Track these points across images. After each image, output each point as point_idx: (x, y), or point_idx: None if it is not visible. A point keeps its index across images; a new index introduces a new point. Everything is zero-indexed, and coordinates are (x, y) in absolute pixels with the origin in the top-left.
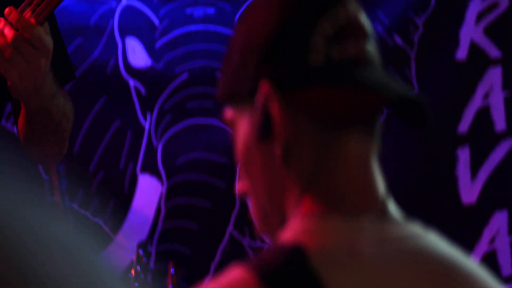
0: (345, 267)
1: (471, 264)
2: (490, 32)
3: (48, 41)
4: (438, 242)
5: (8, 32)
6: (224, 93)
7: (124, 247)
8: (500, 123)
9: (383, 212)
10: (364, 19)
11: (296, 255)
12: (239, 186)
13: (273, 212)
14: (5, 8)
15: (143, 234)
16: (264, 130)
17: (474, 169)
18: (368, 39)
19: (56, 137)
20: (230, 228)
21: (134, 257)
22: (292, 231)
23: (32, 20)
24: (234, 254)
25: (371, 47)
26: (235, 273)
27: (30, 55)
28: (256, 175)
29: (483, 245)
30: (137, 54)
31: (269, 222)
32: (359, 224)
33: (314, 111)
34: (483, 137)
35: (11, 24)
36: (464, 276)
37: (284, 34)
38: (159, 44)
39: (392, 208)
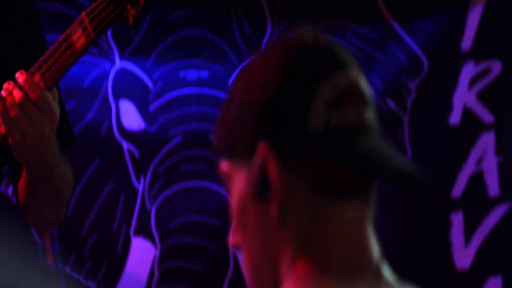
0: None
1: None
2: (483, 97)
3: (55, 107)
4: None
5: (16, 94)
6: (220, 145)
7: None
8: (493, 188)
9: (378, 275)
10: (365, 85)
11: None
12: (233, 238)
13: (266, 270)
14: (17, 69)
15: None
16: (261, 189)
17: (468, 234)
18: (368, 106)
19: (56, 204)
20: None
21: None
22: None
23: (41, 84)
24: None
25: (371, 115)
26: None
27: (35, 118)
28: (250, 232)
29: None
30: (131, 117)
31: (262, 279)
32: (353, 287)
33: (311, 178)
34: (476, 202)
35: (19, 86)
36: None
37: (284, 96)
38: (152, 107)
39: (387, 271)
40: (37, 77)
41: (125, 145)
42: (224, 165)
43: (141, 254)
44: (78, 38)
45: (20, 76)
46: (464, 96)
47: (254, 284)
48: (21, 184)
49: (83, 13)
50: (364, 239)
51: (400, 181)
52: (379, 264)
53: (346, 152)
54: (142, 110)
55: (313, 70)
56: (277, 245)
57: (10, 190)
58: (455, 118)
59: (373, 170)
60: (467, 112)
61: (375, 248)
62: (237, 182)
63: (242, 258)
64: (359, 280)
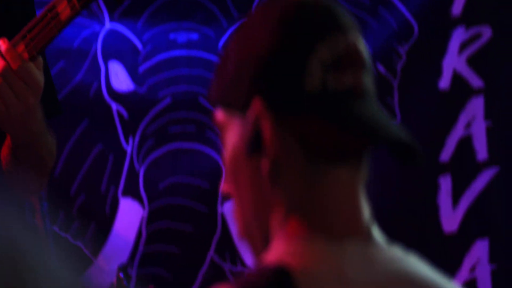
0: None
1: (452, 286)
2: (473, 62)
3: (39, 77)
4: (419, 265)
5: None
6: (216, 97)
7: (105, 270)
8: (481, 153)
9: (368, 236)
10: (363, 49)
11: (280, 276)
12: (224, 186)
13: (256, 225)
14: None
15: (124, 257)
16: (254, 146)
17: (456, 197)
18: (366, 70)
19: (38, 174)
20: (211, 252)
21: (114, 280)
22: (276, 252)
23: (25, 54)
24: (215, 279)
25: (368, 79)
26: None
27: (19, 89)
28: (242, 186)
29: (464, 273)
30: (120, 78)
31: (251, 233)
32: (343, 247)
33: (304, 140)
34: (465, 166)
35: (1, 55)
36: None
37: (281, 53)
38: (142, 68)
39: (376, 233)
40: (21, 47)
41: (114, 106)
42: (220, 115)
43: (129, 214)
44: (63, 9)
45: (1, 45)
46: (453, 61)
47: (243, 235)
48: (4, 150)
49: None
50: (355, 202)
51: (394, 149)
52: (369, 226)
53: (340, 114)
54: (132, 71)
55: (312, 29)
56: (269, 202)
57: None
58: (444, 82)
59: (367, 136)
60: (456, 77)
61: (365, 211)
62: (232, 134)
63: (233, 209)
64: (349, 241)
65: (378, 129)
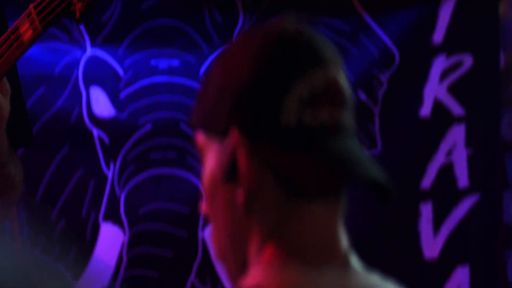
0: None
1: None
2: (454, 90)
3: (4, 106)
4: None
5: None
6: (197, 121)
7: None
8: (462, 180)
9: (345, 263)
10: (344, 84)
11: None
12: (204, 208)
13: (233, 251)
14: None
15: (105, 281)
16: (230, 174)
17: (437, 224)
18: (345, 106)
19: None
20: (191, 277)
21: None
22: (253, 277)
23: None
24: None
25: (347, 115)
26: None
27: None
28: (219, 211)
29: None
30: (101, 104)
31: (227, 257)
32: (320, 274)
33: (280, 172)
34: (445, 193)
35: None
36: None
37: (259, 87)
38: (123, 94)
39: (354, 260)
40: None
41: (95, 132)
42: (200, 137)
43: (110, 239)
44: (26, 30)
45: None
46: (435, 89)
47: (220, 259)
48: None
49: (31, 6)
50: (332, 230)
51: (368, 187)
52: (347, 254)
53: (315, 150)
54: (113, 97)
55: (291, 64)
56: (244, 229)
57: None
58: (425, 110)
59: (342, 173)
60: (437, 105)
61: (343, 239)
62: (210, 158)
63: (210, 231)
64: (327, 268)
65: (352, 166)
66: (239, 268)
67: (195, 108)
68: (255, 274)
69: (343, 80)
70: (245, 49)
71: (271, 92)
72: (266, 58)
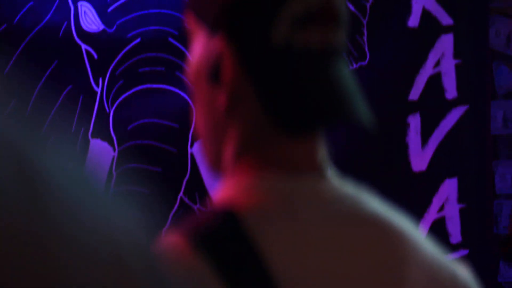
0: (279, 226)
1: (405, 224)
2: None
3: None
4: (374, 202)
5: None
6: (191, 3)
7: None
8: (451, 91)
9: (321, 173)
10: (339, 4)
11: (228, 218)
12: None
13: (210, 145)
14: None
15: None
16: (214, 75)
17: (425, 136)
18: (339, 27)
19: None
20: (181, 193)
21: None
22: (228, 189)
23: None
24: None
25: (340, 35)
26: (170, 239)
27: None
28: (200, 107)
29: (432, 213)
30: (89, 18)
31: (206, 147)
32: (295, 184)
33: (262, 93)
34: (434, 104)
35: None
36: (398, 235)
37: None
38: (111, 8)
39: (330, 170)
40: None
41: (84, 46)
42: (191, 22)
43: (99, 155)
44: None
45: None
46: None
47: (202, 143)
48: None
49: None
50: (310, 139)
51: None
52: (323, 164)
53: (301, 79)
54: (101, 11)
55: None
56: (223, 131)
57: None
58: (414, 20)
59: (325, 113)
60: (426, 15)
61: (320, 148)
62: (197, 46)
63: (194, 112)
64: (301, 178)
65: (336, 106)
66: (216, 158)
67: None
68: (228, 187)
69: (340, 1)
70: None
71: (264, 5)
72: None
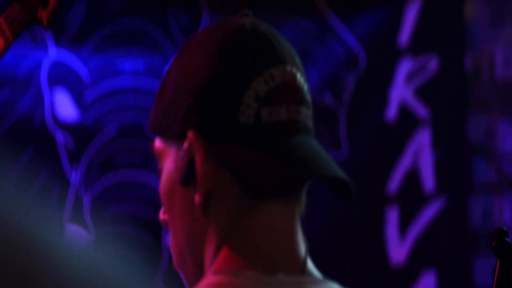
0: None
1: None
2: (420, 92)
3: None
4: None
5: None
6: (154, 124)
7: None
8: (428, 184)
9: (302, 270)
10: (302, 82)
11: None
12: (162, 215)
13: (190, 257)
14: None
15: None
16: (187, 176)
17: (403, 229)
18: (303, 104)
19: None
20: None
21: None
22: (206, 285)
23: None
24: None
25: (306, 113)
26: None
27: None
28: (176, 215)
29: None
30: (66, 107)
31: (185, 263)
32: (275, 281)
33: (239, 172)
34: (411, 197)
35: None
36: None
37: (217, 86)
38: (88, 97)
39: (311, 267)
40: None
41: (59, 135)
42: (157, 143)
43: (76, 239)
44: None
45: None
46: (401, 91)
47: (178, 265)
48: None
49: (1, 18)
50: (290, 235)
51: (329, 184)
52: (305, 260)
53: (273, 148)
54: (77, 100)
55: (249, 62)
56: (203, 234)
57: None
58: (391, 113)
59: (300, 170)
60: (403, 108)
61: (301, 244)
62: (168, 163)
63: (169, 238)
64: (283, 275)
65: (311, 163)
66: (197, 273)
67: (152, 112)
68: (207, 283)
69: (302, 78)
70: (203, 48)
71: (229, 90)
72: (224, 57)
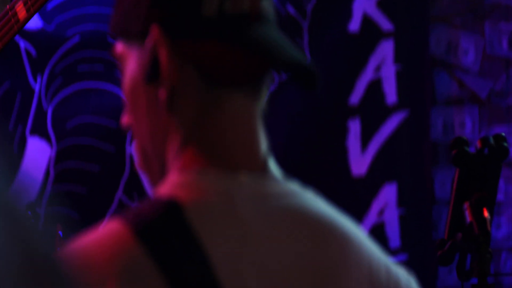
0: (220, 220)
1: (347, 223)
2: (383, 5)
3: None
4: (314, 201)
5: None
6: (116, 26)
7: None
8: (391, 96)
9: (263, 169)
10: None
11: (171, 208)
12: (125, 118)
13: (154, 156)
14: None
15: (32, 196)
16: (151, 73)
17: (365, 141)
18: None
19: None
20: (119, 193)
21: None
22: (169, 184)
23: None
24: None
25: (267, 4)
26: (111, 226)
27: None
28: (140, 116)
29: (371, 217)
30: None
31: (150, 164)
32: (237, 180)
33: (201, 65)
34: (374, 109)
35: None
36: (339, 234)
37: None
38: (50, 5)
39: (273, 166)
40: None
41: (22, 44)
42: (119, 47)
43: (37, 153)
44: (20, 10)
45: None
46: (364, 4)
47: (142, 167)
48: None
49: None
50: (251, 133)
51: (292, 73)
52: (265, 159)
53: (237, 38)
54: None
55: None
56: (166, 132)
57: None
58: (354, 25)
59: (264, 58)
60: (366, 20)
61: (262, 143)
62: (130, 65)
63: (134, 140)
64: (244, 174)
65: (274, 51)
66: (160, 171)
67: (113, 13)
68: (171, 181)
69: None
70: None
71: None
72: None
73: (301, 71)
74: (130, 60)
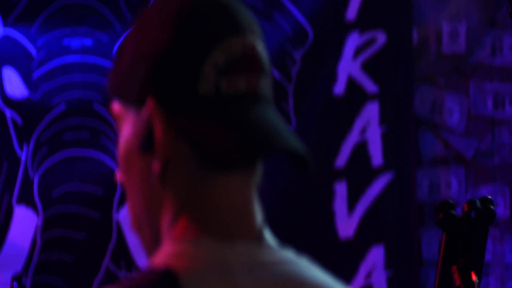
0: None
1: None
2: (367, 67)
3: None
4: (310, 268)
5: None
6: (113, 87)
7: None
8: (376, 158)
9: (259, 239)
10: (262, 52)
11: (166, 279)
12: (120, 176)
13: (147, 222)
14: None
15: (18, 266)
16: (146, 145)
17: (351, 203)
18: (263, 74)
19: None
20: (106, 260)
21: None
22: (164, 254)
23: None
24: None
25: (265, 83)
26: None
27: None
28: (133, 182)
29: (359, 280)
30: (14, 84)
31: (142, 228)
32: (232, 249)
33: (196, 143)
34: (360, 171)
35: None
36: None
37: (175, 54)
38: (36, 74)
39: (268, 236)
40: None
41: (8, 113)
42: (116, 106)
43: (24, 222)
44: None
45: None
46: (348, 66)
47: (135, 229)
48: None
49: None
50: (246, 205)
51: (286, 156)
52: (261, 229)
53: (232, 119)
54: (26, 77)
55: (207, 31)
56: (159, 201)
57: None
58: (339, 88)
59: (259, 142)
60: (351, 82)
61: (257, 214)
62: (126, 128)
63: (127, 201)
64: (239, 243)
65: (269, 136)
66: (154, 239)
67: (111, 76)
68: (166, 250)
69: (261, 48)
70: (160, 15)
71: (187, 60)
72: (181, 26)
73: (295, 157)
74: (127, 122)
